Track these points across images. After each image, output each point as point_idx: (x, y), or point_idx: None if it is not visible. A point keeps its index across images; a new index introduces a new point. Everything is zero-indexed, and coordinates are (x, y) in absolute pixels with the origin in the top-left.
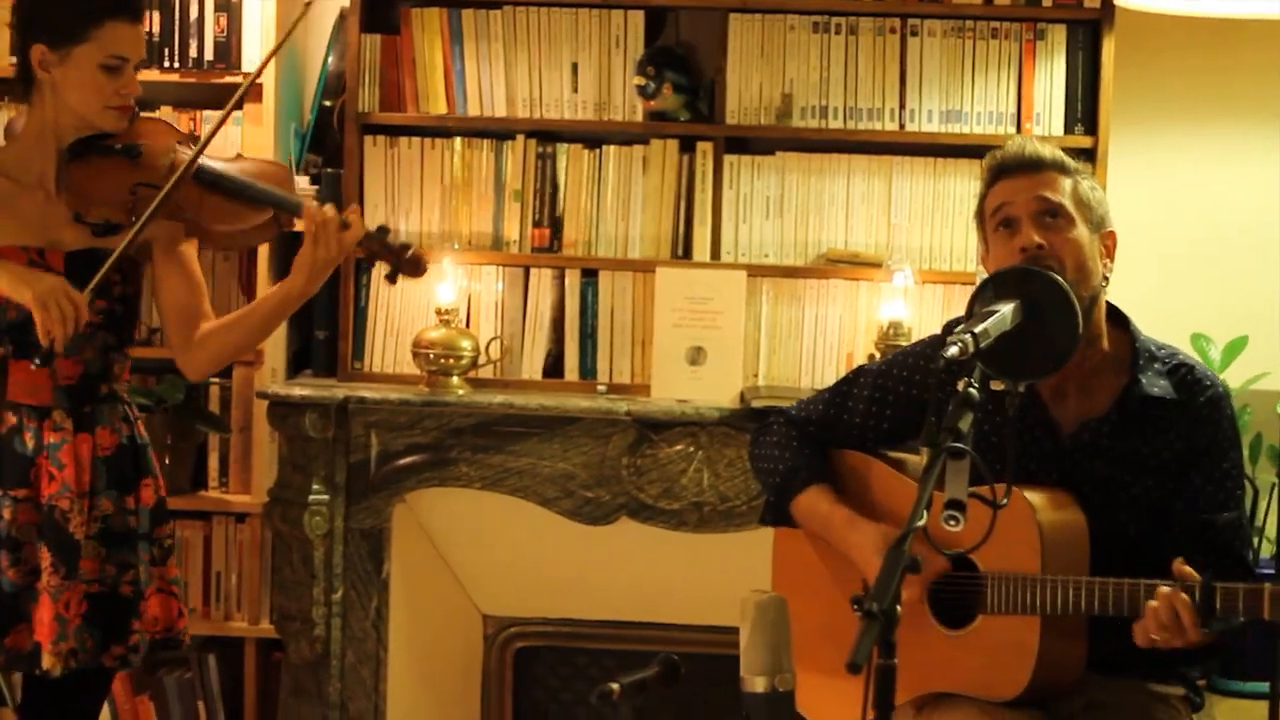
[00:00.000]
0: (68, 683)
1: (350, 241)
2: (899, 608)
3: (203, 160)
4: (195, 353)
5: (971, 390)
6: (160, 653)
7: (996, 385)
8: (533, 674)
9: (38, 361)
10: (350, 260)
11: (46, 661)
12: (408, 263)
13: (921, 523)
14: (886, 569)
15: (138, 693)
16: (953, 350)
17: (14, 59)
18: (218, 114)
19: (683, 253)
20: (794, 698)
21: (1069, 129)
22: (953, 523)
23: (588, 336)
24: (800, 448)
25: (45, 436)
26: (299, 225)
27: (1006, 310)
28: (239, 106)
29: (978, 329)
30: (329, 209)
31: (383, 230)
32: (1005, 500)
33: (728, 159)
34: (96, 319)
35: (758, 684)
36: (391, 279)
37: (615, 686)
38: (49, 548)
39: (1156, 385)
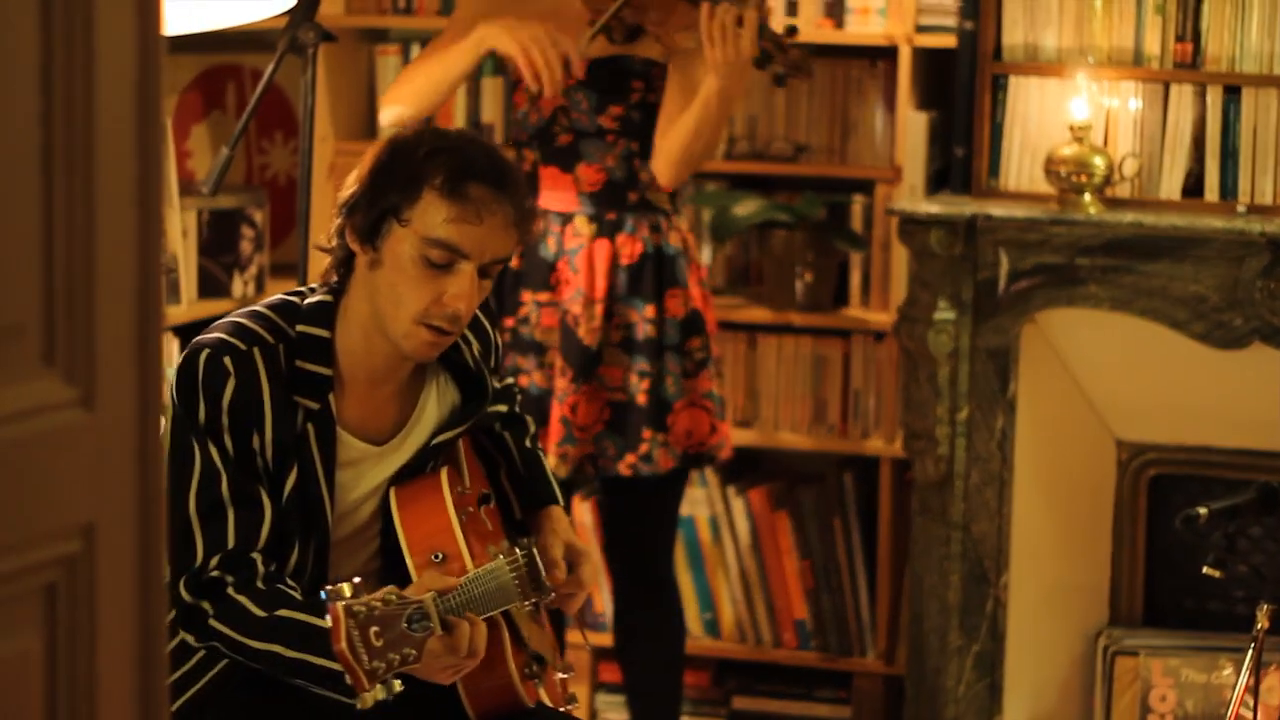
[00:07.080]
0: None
1: (748, 40)
2: None
3: None
4: (657, 161)
5: None
6: (692, 466)
7: None
8: (1169, 502)
9: None
10: (985, 76)
11: (550, 463)
12: (794, 66)
13: None
14: None
15: (775, 508)
16: None
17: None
18: None
19: None
20: None
21: None
22: None
23: (1229, 156)
24: None
25: (566, 241)
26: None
27: None
28: None
29: None
30: (722, 8)
31: (791, 30)
32: None
33: None
34: (613, 125)
35: None
36: (780, 82)
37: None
38: (560, 350)
39: None
